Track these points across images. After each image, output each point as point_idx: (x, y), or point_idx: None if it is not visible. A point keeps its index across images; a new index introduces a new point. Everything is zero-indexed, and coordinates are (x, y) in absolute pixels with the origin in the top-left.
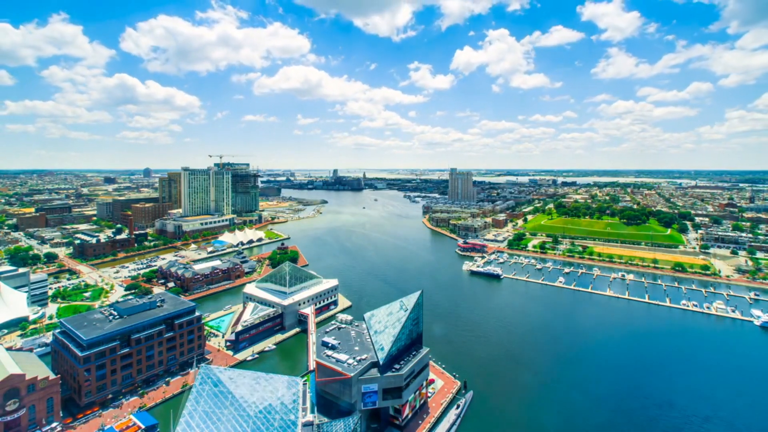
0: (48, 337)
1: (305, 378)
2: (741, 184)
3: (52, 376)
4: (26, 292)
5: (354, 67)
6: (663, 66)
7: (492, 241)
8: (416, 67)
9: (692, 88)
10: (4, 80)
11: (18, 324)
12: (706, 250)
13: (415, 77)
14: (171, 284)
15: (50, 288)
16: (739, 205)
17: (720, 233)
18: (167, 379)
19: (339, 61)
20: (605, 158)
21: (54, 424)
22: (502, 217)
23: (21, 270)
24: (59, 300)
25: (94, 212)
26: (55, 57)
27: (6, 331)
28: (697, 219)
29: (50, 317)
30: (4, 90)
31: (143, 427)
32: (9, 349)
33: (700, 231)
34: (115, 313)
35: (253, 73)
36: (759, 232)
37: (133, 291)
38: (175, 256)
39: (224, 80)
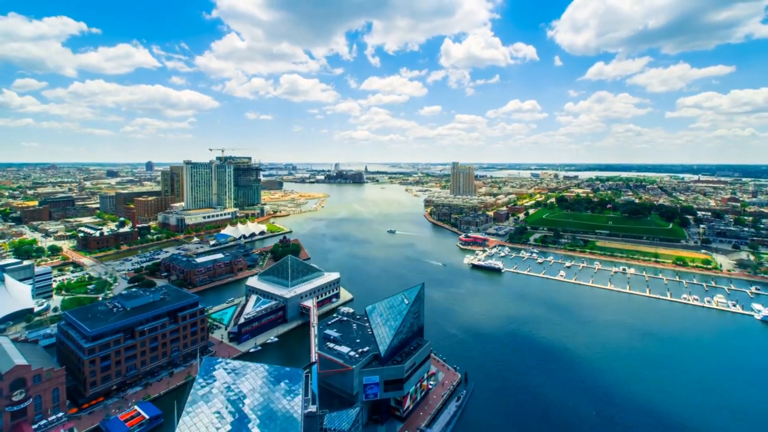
0: (53, 329)
1: (307, 370)
2: (744, 179)
3: (57, 368)
4: (31, 284)
5: (346, 74)
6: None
7: (493, 234)
8: (398, 75)
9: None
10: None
11: (23, 316)
12: (708, 245)
13: (393, 82)
14: (174, 277)
15: (54, 280)
16: (741, 199)
17: (722, 228)
18: (171, 371)
19: (331, 72)
20: (598, 154)
21: (60, 414)
22: (503, 210)
23: (26, 262)
24: (63, 292)
25: (97, 205)
26: (85, 72)
27: (11, 322)
28: (699, 213)
29: (55, 309)
30: (36, 95)
31: (147, 417)
32: (15, 340)
33: (702, 226)
34: (119, 306)
35: (256, 78)
36: (761, 226)
37: (136, 283)
38: (178, 249)
39: (227, 83)
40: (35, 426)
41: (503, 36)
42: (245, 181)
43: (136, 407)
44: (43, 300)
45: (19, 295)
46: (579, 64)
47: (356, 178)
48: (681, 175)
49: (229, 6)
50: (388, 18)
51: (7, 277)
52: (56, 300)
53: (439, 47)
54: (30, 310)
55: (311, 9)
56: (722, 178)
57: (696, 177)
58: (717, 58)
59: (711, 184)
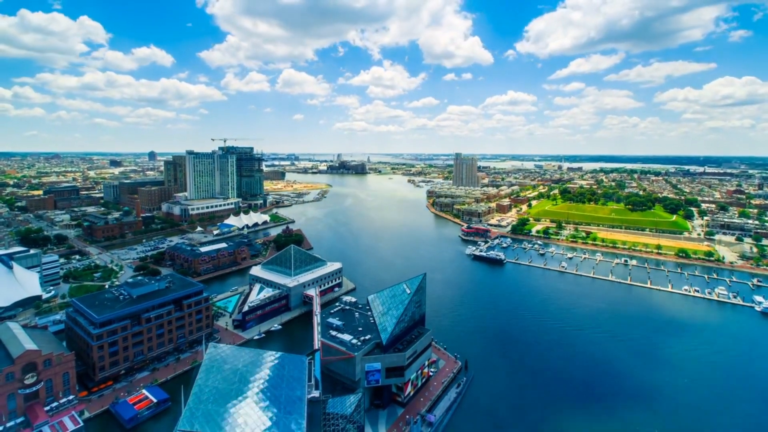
0: (62, 315)
1: (310, 357)
2: (750, 171)
3: (66, 353)
4: (38, 272)
5: (343, 70)
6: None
7: (496, 226)
8: (391, 69)
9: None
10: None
11: (32, 302)
12: (711, 237)
13: (391, 76)
14: (178, 266)
15: (61, 269)
16: (747, 192)
17: (726, 220)
18: (177, 356)
19: (328, 67)
20: (600, 145)
21: (70, 397)
22: (506, 202)
23: (33, 251)
24: (70, 280)
25: (101, 195)
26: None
27: (21, 309)
28: (704, 206)
29: (62, 296)
30: (50, 89)
31: (155, 400)
32: (25, 326)
33: (705, 218)
34: (126, 293)
35: (257, 74)
36: (766, 219)
37: (141, 272)
38: (182, 238)
39: (230, 79)
40: (47, 408)
41: (486, 39)
42: (248, 171)
43: (144, 391)
44: (51, 287)
45: (27, 283)
46: (561, 62)
47: (359, 169)
48: (687, 167)
49: (228, 15)
50: (380, 26)
51: (16, 265)
52: (63, 288)
53: (430, 47)
54: (38, 297)
55: (305, 19)
56: (728, 170)
57: (702, 168)
58: (695, 56)
59: (717, 176)
